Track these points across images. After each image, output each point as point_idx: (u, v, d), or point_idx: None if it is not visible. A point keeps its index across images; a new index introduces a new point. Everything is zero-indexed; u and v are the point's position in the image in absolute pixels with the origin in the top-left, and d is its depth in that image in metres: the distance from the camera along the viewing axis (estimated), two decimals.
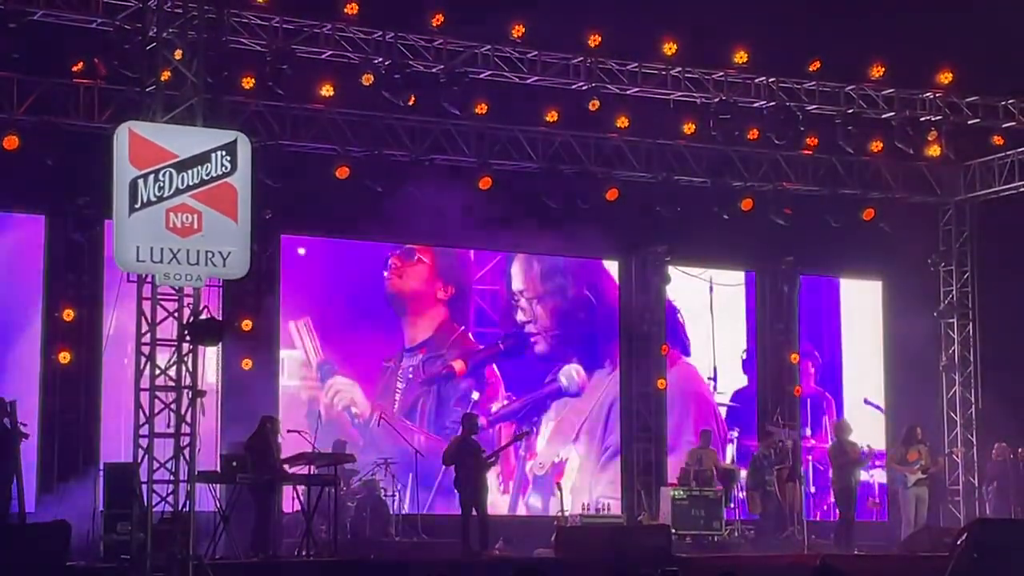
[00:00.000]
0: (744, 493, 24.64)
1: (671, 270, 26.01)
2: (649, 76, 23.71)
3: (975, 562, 15.09)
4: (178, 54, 17.04)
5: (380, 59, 22.10)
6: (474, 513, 20.27)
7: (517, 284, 25.71)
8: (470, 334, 25.28)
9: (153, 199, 16.17)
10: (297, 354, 23.97)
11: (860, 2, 23.91)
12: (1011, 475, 24.80)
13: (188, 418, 16.33)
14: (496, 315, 25.55)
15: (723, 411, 26.76)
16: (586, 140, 24.73)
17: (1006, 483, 24.82)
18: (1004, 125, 25.37)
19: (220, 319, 17.42)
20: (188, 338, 16.37)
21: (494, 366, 25.37)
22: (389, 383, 24.60)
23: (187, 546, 16.08)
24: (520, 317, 25.70)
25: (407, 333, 24.91)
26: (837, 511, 23.52)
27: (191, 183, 16.35)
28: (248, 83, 21.67)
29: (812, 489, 25.75)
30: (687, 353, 26.72)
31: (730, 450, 26.34)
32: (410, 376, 24.72)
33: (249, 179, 16.76)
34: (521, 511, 25.05)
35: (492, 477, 22.52)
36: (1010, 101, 25.23)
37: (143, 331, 16.41)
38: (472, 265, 25.57)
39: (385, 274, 24.81)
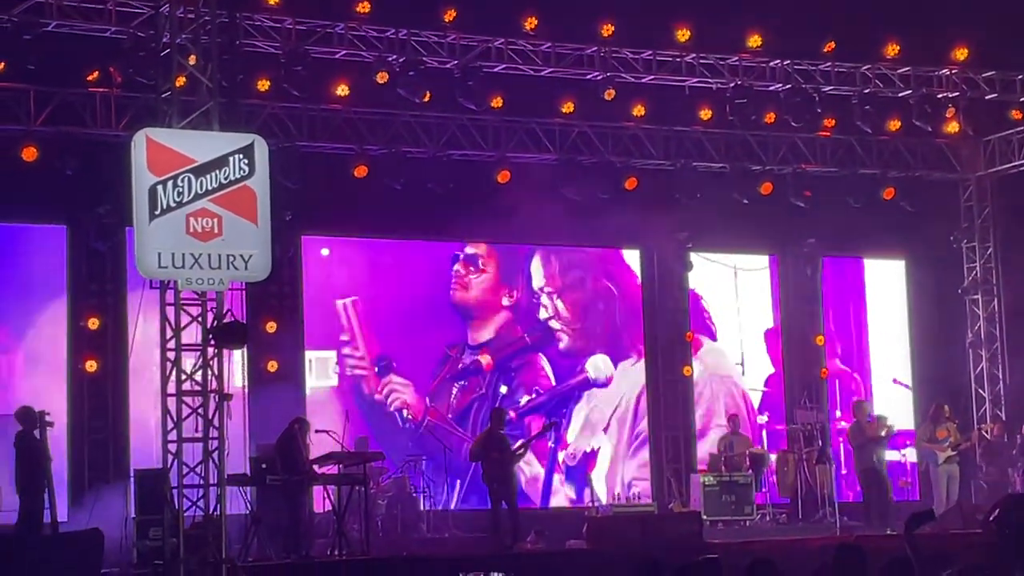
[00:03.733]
0: (775, 478, 24.64)
1: (693, 256, 26.00)
2: (664, 63, 23.71)
3: (1006, 537, 15.02)
4: (192, 59, 17.03)
5: (394, 57, 22.13)
6: (504, 506, 20.25)
7: (538, 280, 25.68)
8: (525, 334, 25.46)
9: (173, 205, 16.15)
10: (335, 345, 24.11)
11: None
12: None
13: (216, 422, 16.36)
14: (520, 310, 25.59)
15: (756, 396, 26.70)
16: (603, 130, 24.71)
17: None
18: (1022, 99, 25.30)
19: (244, 322, 17.43)
20: (212, 342, 16.39)
21: (524, 359, 25.38)
22: (444, 381, 24.68)
23: (220, 550, 16.09)
24: (543, 314, 25.67)
25: (470, 334, 25.03)
26: (862, 492, 23.41)
27: (210, 187, 16.32)
28: (263, 86, 21.77)
29: (844, 471, 25.66)
30: (713, 339, 26.69)
31: (763, 435, 26.28)
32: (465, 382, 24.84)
33: (267, 181, 16.74)
34: (555, 503, 25.04)
35: (533, 461, 22.54)
36: None
37: (168, 337, 16.44)
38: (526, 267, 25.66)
39: (452, 283, 24.99)
